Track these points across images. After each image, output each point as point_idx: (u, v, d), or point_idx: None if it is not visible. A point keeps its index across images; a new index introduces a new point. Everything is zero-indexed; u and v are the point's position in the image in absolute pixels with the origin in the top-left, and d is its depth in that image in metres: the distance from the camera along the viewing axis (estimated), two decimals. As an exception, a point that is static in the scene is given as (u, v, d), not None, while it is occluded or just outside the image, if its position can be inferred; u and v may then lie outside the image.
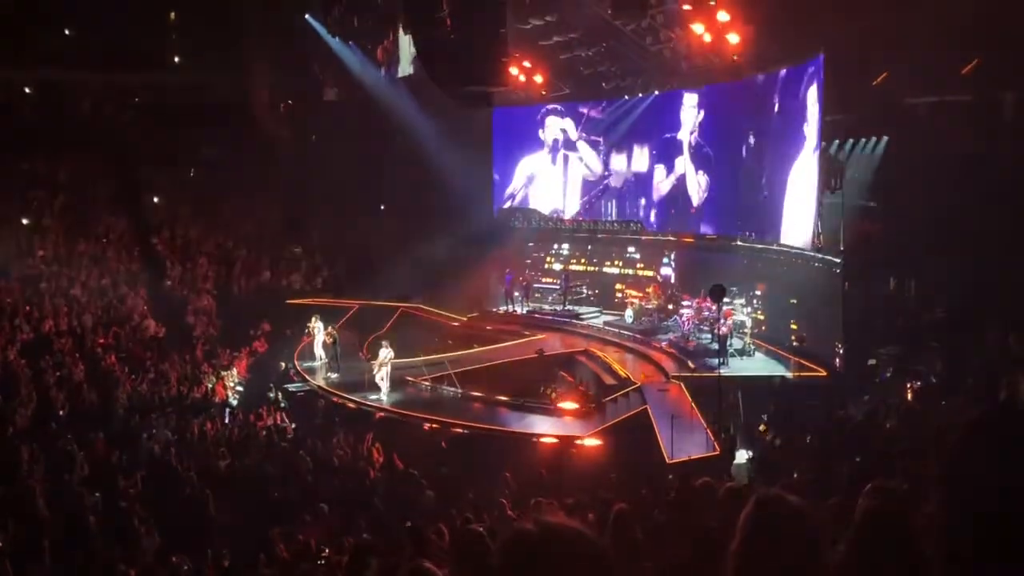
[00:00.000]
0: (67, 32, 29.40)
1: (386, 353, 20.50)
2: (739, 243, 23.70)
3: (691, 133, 25.10)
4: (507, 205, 30.16)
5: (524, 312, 27.27)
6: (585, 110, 27.95)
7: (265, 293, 27.79)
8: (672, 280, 25.49)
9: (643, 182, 27.08)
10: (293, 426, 19.17)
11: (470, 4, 14.93)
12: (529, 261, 28.92)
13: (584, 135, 28.09)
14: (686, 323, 22.66)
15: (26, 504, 12.33)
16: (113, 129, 29.60)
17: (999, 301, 16.97)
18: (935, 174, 17.99)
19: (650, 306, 24.57)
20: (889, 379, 18.84)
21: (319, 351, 23.16)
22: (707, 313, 21.81)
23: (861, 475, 8.56)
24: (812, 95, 20.27)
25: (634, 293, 25.95)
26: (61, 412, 18.10)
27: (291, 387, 22.09)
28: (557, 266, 28.53)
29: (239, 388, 22.04)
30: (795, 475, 12.26)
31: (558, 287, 27.63)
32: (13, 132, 26.93)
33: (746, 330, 21.23)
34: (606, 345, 23.49)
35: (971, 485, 1.79)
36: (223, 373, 22.06)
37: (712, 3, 20.06)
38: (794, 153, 21.22)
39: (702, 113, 24.78)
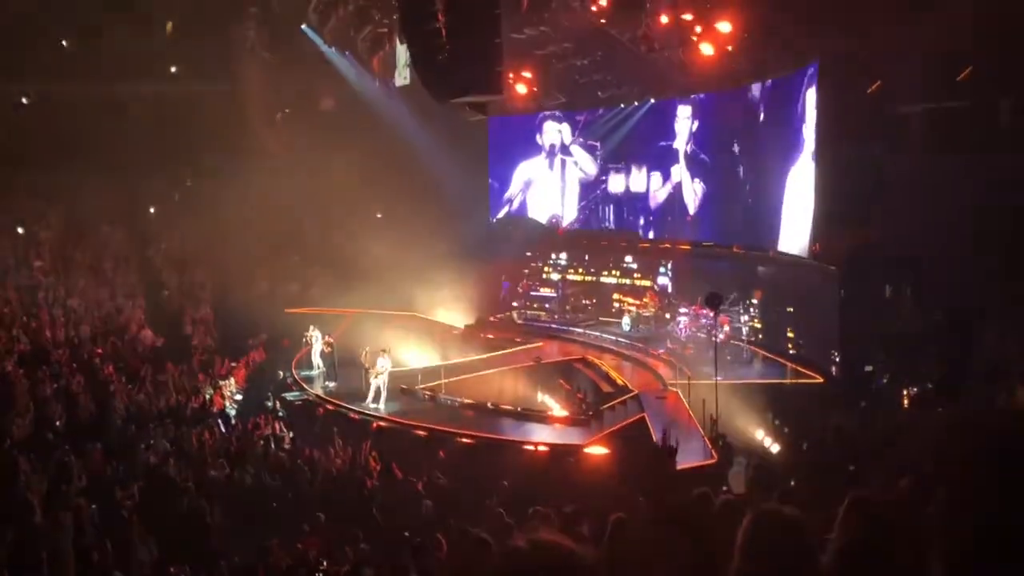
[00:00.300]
0: (64, 44, 29.43)
1: (384, 363, 20.52)
2: (736, 250, 23.77)
3: (687, 142, 25.20)
4: (505, 210, 30.23)
5: (521, 320, 27.29)
6: (581, 117, 28.08)
7: (263, 302, 27.79)
8: (669, 290, 25.54)
9: (640, 190, 27.15)
10: (291, 435, 19.16)
11: (465, 15, 14.97)
12: (527, 271, 28.95)
13: (580, 140, 28.20)
14: (683, 330, 22.70)
15: (24, 515, 12.30)
16: (109, 139, 29.62)
17: (996, 307, 17.01)
18: (931, 180, 18.05)
19: (647, 314, 24.63)
20: (886, 385, 18.89)
21: (317, 360, 23.17)
22: (704, 320, 21.86)
23: (856, 483, 8.57)
24: (809, 102, 20.35)
25: (631, 301, 26.00)
26: (58, 423, 18.08)
27: (289, 396, 22.09)
28: (555, 276, 28.56)
29: (237, 398, 22.04)
30: (792, 483, 12.27)
31: (555, 296, 27.67)
32: (10, 143, 26.95)
33: (743, 337, 21.28)
34: (603, 353, 23.53)
35: (970, 491, 1.81)
36: (221, 383, 22.06)
37: (708, 5, 20.14)
38: (791, 160, 21.29)
39: (697, 123, 24.88)
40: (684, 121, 25.21)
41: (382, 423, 19.68)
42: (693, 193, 25.27)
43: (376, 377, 20.37)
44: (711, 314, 20.16)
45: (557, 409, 20.72)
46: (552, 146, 28.92)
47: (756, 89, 22.79)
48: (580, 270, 28.33)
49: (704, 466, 15.49)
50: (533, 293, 28.23)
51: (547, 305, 27.95)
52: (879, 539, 2.66)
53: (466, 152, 28.53)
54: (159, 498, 14.26)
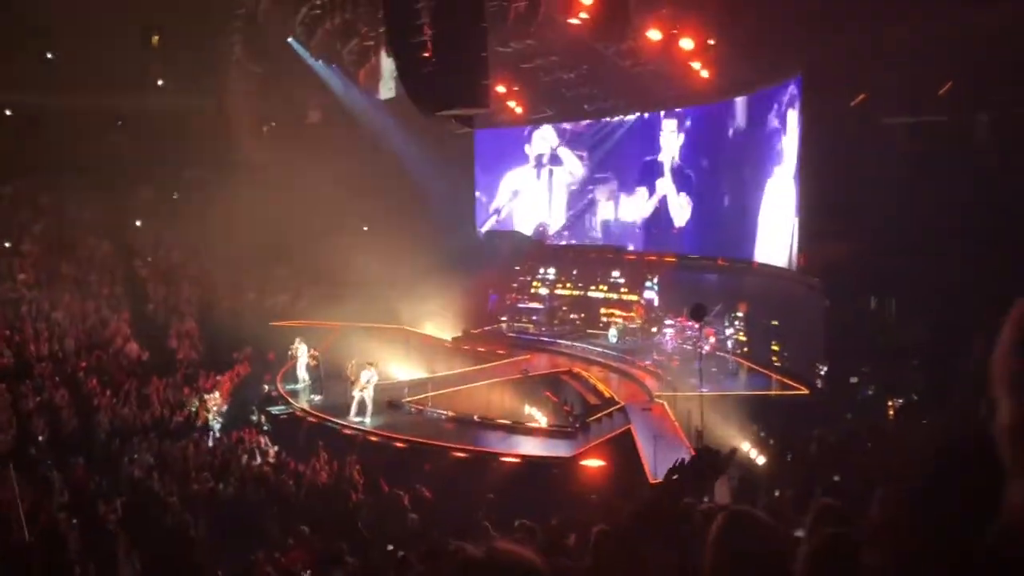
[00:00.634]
0: (49, 55, 29.39)
1: (368, 375, 20.45)
2: (720, 263, 23.87)
3: (672, 156, 25.34)
4: (492, 221, 30.29)
5: (509, 333, 27.30)
6: (568, 127, 28.26)
7: (248, 315, 27.70)
8: (655, 304, 25.61)
9: (626, 202, 27.27)
10: (276, 449, 19.08)
11: (451, 28, 15.04)
12: (516, 285, 28.96)
13: (568, 147, 28.36)
14: (669, 342, 22.75)
15: (7, 531, 12.20)
16: (95, 151, 29.54)
17: (980, 319, 17.10)
18: (914, 193, 18.19)
19: (634, 326, 24.69)
20: (871, 397, 18.97)
21: (302, 373, 23.07)
22: (689, 332, 21.91)
23: (839, 494, 8.60)
24: (791, 115, 20.51)
25: (618, 312, 26.07)
26: (41, 437, 17.96)
27: (274, 410, 21.98)
28: (543, 291, 28.55)
29: (222, 411, 21.92)
30: (776, 494, 12.30)
31: (543, 307, 27.71)
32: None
33: (728, 348, 21.34)
34: (590, 365, 23.54)
35: (938, 508, 1.82)
36: (206, 396, 21.94)
37: (690, 20, 20.28)
38: (774, 173, 21.44)
39: (682, 136, 25.04)
40: (670, 134, 25.36)
41: (368, 436, 19.61)
42: (679, 207, 25.38)
43: (361, 391, 20.30)
44: (696, 326, 20.21)
45: (544, 421, 20.70)
46: (540, 156, 29.05)
47: (740, 103, 22.95)
48: (568, 284, 28.37)
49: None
50: (520, 306, 28.24)
51: (534, 317, 27.96)
52: (845, 547, 2.69)
53: (452, 164, 28.61)
54: (143, 512, 14.18)
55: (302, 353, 23.07)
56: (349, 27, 23.98)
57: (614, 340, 24.57)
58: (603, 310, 27.03)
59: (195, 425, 20.43)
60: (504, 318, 27.65)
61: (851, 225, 20.52)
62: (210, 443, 19.32)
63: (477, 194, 30.36)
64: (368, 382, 20.34)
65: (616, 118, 26.68)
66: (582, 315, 27.48)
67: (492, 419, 20.11)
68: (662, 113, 25.54)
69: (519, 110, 27.35)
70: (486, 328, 27.77)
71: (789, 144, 20.77)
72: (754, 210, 22.53)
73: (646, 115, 26.02)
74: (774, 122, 21.50)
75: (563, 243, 29.09)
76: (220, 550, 13.22)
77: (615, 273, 27.18)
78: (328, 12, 23.65)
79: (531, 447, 18.50)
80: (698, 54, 20.78)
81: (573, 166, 28.34)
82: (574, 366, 23.40)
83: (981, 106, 18.29)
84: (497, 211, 30.23)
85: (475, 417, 20.26)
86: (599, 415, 19.57)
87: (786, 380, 19.73)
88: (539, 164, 29.13)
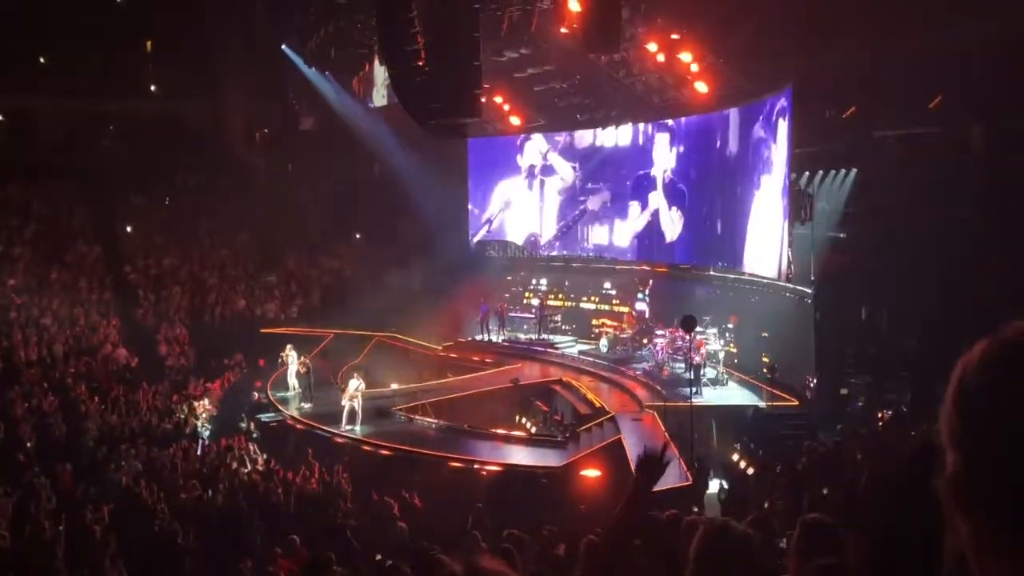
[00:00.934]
0: (42, 60, 29.36)
1: (356, 384, 20.38)
2: (712, 273, 23.93)
3: (664, 171, 25.40)
4: (484, 231, 30.29)
5: (500, 340, 27.29)
6: (561, 138, 28.32)
7: (239, 322, 27.62)
8: (646, 315, 25.62)
9: (618, 217, 27.32)
10: (265, 456, 19.00)
11: (444, 37, 15.08)
12: (508, 295, 28.94)
13: (560, 156, 28.45)
14: (660, 352, 22.77)
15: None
16: (87, 157, 29.49)
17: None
18: (905, 205, 18.28)
19: (624, 335, 24.70)
20: (861, 408, 19.00)
21: (292, 381, 22.98)
22: (680, 343, 21.93)
23: (828, 506, 8.62)
24: (782, 128, 20.58)
25: (609, 322, 26.08)
26: (28, 444, 17.86)
27: (264, 417, 21.89)
28: (535, 301, 28.48)
29: (211, 418, 21.84)
30: (766, 505, 12.30)
31: (533, 315, 27.73)
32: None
33: (719, 359, 21.35)
34: (581, 374, 23.53)
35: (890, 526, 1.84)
36: (195, 403, 21.86)
37: (681, 33, 20.39)
38: (764, 185, 21.51)
39: (674, 150, 25.13)
40: (662, 148, 25.43)
41: (357, 445, 19.55)
42: (671, 221, 25.43)
43: (351, 400, 20.24)
44: (687, 336, 20.23)
45: (534, 431, 20.67)
46: (532, 167, 29.08)
47: (731, 114, 23.03)
48: (560, 296, 28.38)
49: (679, 488, 15.48)
50: (512, 315, 28.22)
51: (525, 327, 27.95)
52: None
53: (445, 173, 28.61)
54: (130, 520, 14.10)
55: (292, 360, 23.00)
56: (343, 35, 24.06)
57: (605, 350, 24.58)
58: (594, 321, 27.04)
59: (184, 432, 20.34)
60: (494, 326, 27.62)
61: (841, 237, 20.65)
62: (199, 450, 19.23)
63: (470, 208, 30.37)
64: (357, 390, 20.29)
65: (609, 128, 26.72)
66: (573, 326, 27.49)
67: (482, 428, 20.08)
68: (651, 128, 25.64)
69: (516, 120, 27.41)
70: (477, 337, 27.75)
71: (779, 155, 20.84)
72: (744, 222, 22.59)
73: (638, 126, 26.09)
74: (765, 134, 21.58)
75: (554, 253, 29.09)
76: (208, 558, 13.15)
77: (607, 284, 27.21)
78: (322, 20, 23.71)
79: (521, 456, 18.47)
80: (689, 67, 20.89)
81: (565, 173, 28.37)
82: (565, 375, 23.38)
83: (973, 118, 18.40)
84: (489, 221, 30.23)
85: (465, 426, 20.23)
86: (590, 424, 19.56)
87: (776, 391, 19.75)
88: (531, 175, 29.16)
